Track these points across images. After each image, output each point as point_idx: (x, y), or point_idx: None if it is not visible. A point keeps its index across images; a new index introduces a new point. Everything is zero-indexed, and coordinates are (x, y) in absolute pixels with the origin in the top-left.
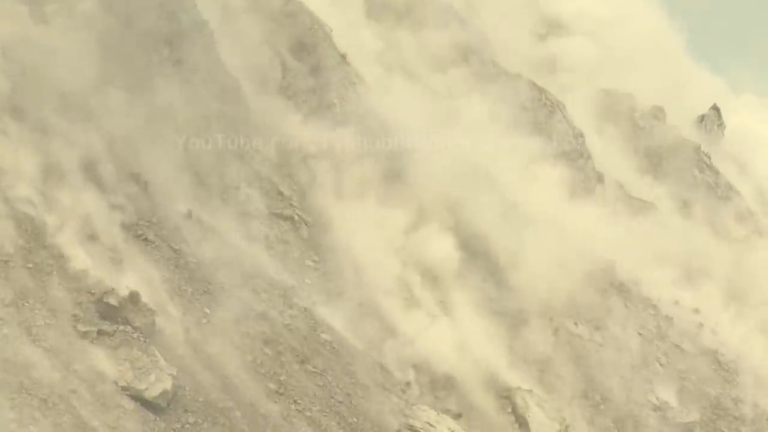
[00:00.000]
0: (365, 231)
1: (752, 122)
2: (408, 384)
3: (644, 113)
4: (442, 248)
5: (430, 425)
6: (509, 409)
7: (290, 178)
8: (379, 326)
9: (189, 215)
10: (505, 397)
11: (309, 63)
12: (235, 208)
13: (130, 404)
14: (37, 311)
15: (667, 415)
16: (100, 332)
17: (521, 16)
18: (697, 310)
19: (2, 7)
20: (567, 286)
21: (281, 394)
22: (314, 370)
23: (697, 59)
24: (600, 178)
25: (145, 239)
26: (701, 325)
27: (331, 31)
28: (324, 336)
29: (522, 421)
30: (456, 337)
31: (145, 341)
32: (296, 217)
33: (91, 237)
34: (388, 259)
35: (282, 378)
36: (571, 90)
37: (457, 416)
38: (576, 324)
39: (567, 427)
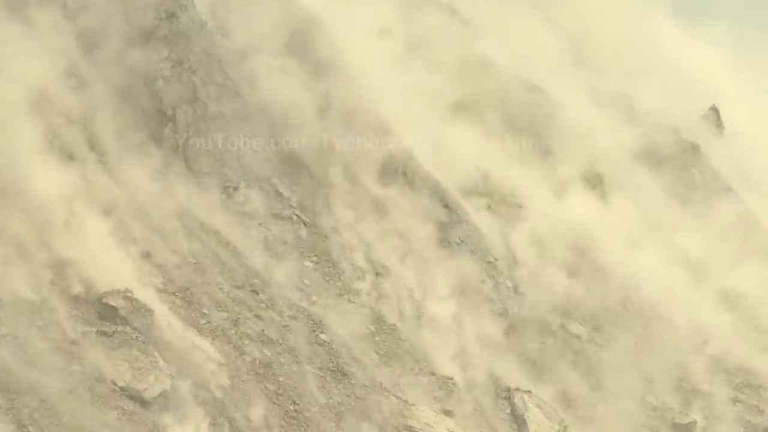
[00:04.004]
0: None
1: (751, 123)
2: (408, 385)
3: (644, 113)
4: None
5: (429, 426)
6: (508, 410)
7: (289, 179)
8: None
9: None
10: (504, 397)
11: (308, 62)
12: (234, 209)
13: (129, 405)
14: (35, 312)
15: (666, 416)
16: (99, 333)
17: (519, 17)
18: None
19: None
20: (567, 286)
21: (281, 394)
22: (314, 370)
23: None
24: (599, 179)
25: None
26: (700, 326)
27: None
28: (323, 336)
29: (521, 422)
30: (456, 337)
31: (144, 342)
32: (295, 218)
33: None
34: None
35: (281, 378)
36: (570, 90)
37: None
38: (575, 324)
39: (565, 428)
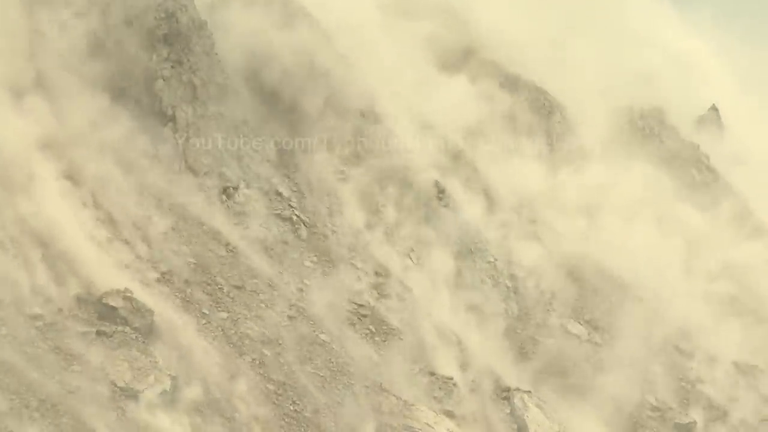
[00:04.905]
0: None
1: (752, 123)
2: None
3: (644, 113)
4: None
5: (429, 426)
6: (508, 410)
7: (289, 179)
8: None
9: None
10: (504, 398)
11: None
12: (234, 209)
13: (128, 405)
14: (36, 312)
15: (666, 416)
16: (98, 333)
17: (520, 16)
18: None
19: None
20: (566, 285)
21: (281, 395)
22: (313, 370)
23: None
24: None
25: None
26: (701, 326)
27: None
28: (323, 336)
29: (520, 422)
30: (456, 337)
31: (143, 342)
32: (295, 218)
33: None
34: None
35: (281, 378)
36: (570, 91)
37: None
38: (575, 324)
39: (565, 428)
